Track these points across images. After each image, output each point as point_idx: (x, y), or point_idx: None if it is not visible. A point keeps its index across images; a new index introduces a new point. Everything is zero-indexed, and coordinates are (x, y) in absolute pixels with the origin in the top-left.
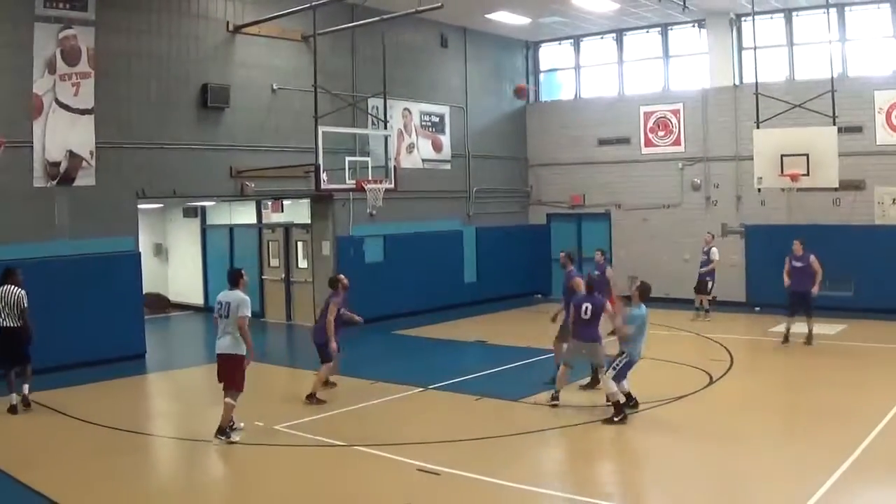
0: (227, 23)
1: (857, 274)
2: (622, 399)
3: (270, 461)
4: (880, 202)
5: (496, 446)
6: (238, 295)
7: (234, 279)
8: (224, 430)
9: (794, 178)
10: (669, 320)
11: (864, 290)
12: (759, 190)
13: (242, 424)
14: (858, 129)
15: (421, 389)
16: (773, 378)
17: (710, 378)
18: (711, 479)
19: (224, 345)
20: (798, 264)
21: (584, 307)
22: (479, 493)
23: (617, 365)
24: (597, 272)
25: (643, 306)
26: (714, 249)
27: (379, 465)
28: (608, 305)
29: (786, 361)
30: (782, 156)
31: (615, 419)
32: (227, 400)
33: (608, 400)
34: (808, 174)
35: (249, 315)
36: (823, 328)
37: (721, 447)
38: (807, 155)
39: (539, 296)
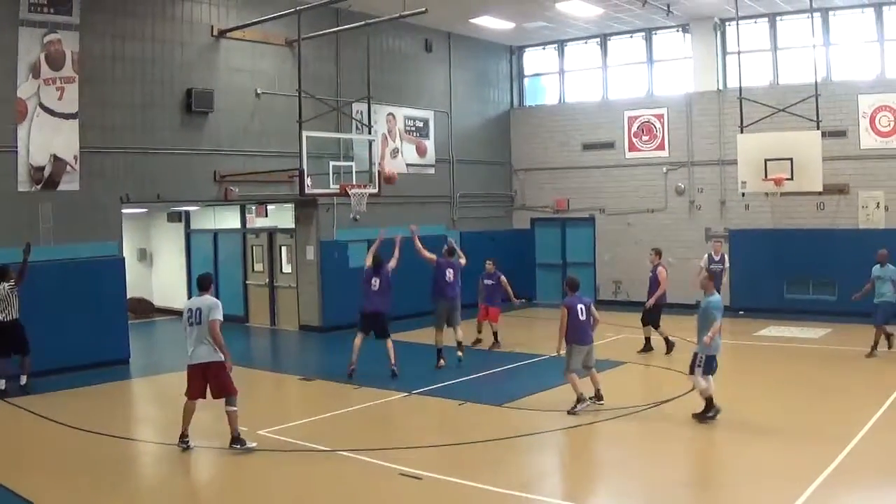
0: (212, 27)
1: (841, 278)
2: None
3: (253, 466)
4: (864, 206)
5: (479, 451)
6: (209, 299)
7: (206, 284)
8: (238, 439)
9: (777, 182)
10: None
11: (847, 293)
12: (743, 194)
13: (255, 444)
14: (842, 134)
15: (404, 394)
16: (756, 382)
17: None
18: (696, 483)
19: (202, 353)
20: (650, 274)
21: (579, 308)
22: (461, 497)
23: (700, 363)
24: (489, 281)
25: (716, 294)
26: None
27: (361, 469)
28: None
29: (770, 365)
30: (766, 160)
31: (708, 415)
32: (230, 409)
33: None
34: (792, 178)
35: (221, 319)
36: (807, 332)
37: (706, 451)
38: (791, 159)
39: (524, 300)
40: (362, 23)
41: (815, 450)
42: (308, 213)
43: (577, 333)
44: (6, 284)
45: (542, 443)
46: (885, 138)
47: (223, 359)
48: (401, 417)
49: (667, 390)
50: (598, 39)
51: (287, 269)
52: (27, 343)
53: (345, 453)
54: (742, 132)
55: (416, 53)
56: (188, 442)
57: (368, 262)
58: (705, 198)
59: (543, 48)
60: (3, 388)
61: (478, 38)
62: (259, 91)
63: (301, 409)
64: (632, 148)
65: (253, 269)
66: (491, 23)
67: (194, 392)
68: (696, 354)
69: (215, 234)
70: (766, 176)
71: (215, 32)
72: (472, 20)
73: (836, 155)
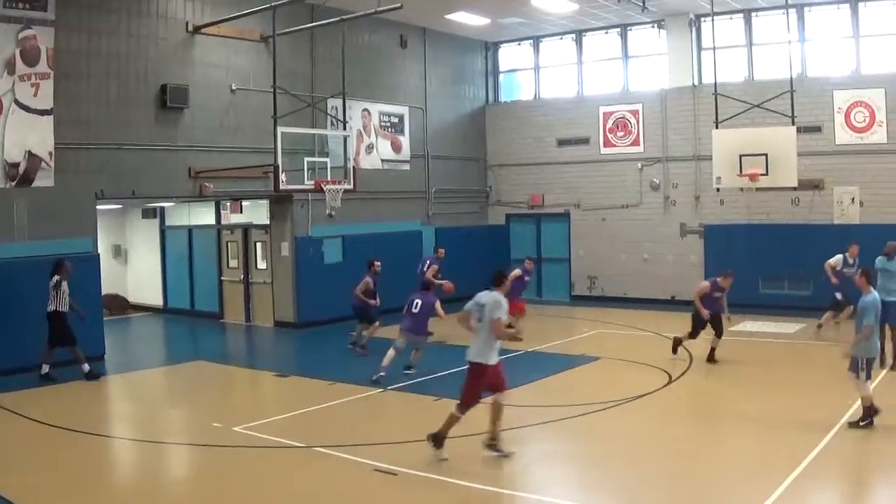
0: (187, 23)
1: (816, 273)
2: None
3: (229, 463)
4: (839, 201)
5: (455, 447)
6: (495, 296)
7: (498, 280)
8: (494, 445)
9: (752, 177)
10: (629, 320)
11: (822, 289)
12: (718, 190)
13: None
14: (818, 129)
15: (380, 390)
16: (731, 377)
17: (670, 377)
18: (668, 479)
19: (472, 351)
20: (717, 294)
21: (415, 303)
22: (437, 493)
23: (863, 366)
24: (528, 278)
25: (873, 293)
26: None
27: (336, 465)
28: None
29: (744, 360)
30: (741, 156)
31: (861, 423)
32: (498, 400)
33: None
34: (766, 174)
35: (503, 317)
36: (783, 327)
37: (679, 447)
38: (766, 155)
39: None
40: (337, 18)
41: (786, 447)
42: (283, 209)
43: (403, 321)
44: (58, 278)
45: (519, 438)
46: (860, 134)
47: (488, 364)
48: (376, 413)
49: (643, 385)
50: (574, 35)
51: (262, 265)
52: (62, 335)
53: (320, 449)
54: (717, 128)
55: (391, 49)
56: (495, 445)
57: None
58: (680, 193)
59: (519, 44)
60: (45, 372)
61: (453, 34)
62: (234, 87)
63: (276, 405)
64: (607, 143)
65: (228, 266)
66: (466, 18)
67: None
68: (855, 358)
69: (190, 230)
70: (740, 171)
71: (190, 28)
72: (448, 16)
73: (811, 150)
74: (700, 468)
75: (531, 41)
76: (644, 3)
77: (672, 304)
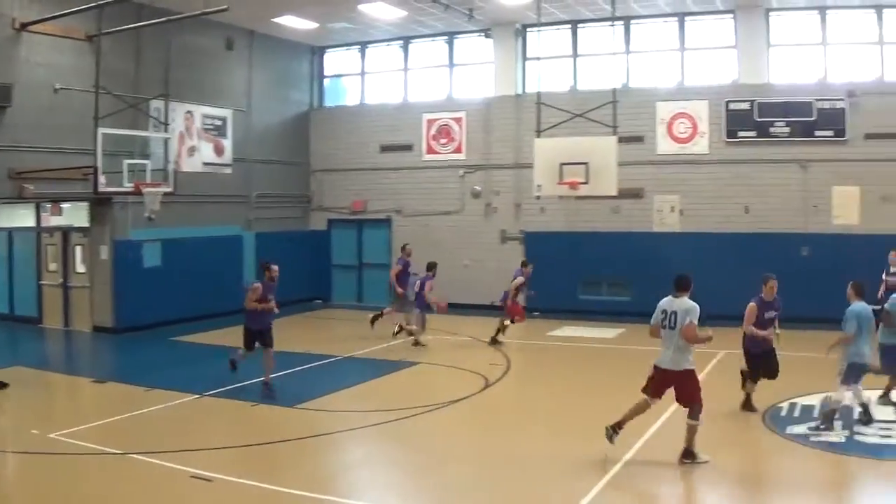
0: (14, 19)
1: (636, 279)
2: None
3: (43, 470)
4: (659, 210)
5: (270, 452)
6: (686, 302)
7: (685, 284)
8: (690, 452)
9: (572, 186)
10: (449, 325)
11: (642, 295)
12: (539, 197)
13: (707, 458)
14: (639, 139)
15: (197, 396)
16: (547, 381)
17: (486, 382)
18: (487, 479)
19: (668, 359)
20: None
21: (416, 282)
22: (251, 498)
23: (841, 371)
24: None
25: (863, 303)
26: None
27: (152, 472)
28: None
29: (562, 365)
30: (562, 164)
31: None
32: (690, 422)
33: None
34: (587, 182)
35: (695, 321)
36: (603, 332)
37: (497, 448)
38: (586, 164)
39: (319, 301)
40: (164, 19)
41: (600, 452)
42: (102, 212)
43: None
44: None
45: (333, 443)
46: (682, 144)
47: (691, 368)
48: (193, 419)
49: (460, 390)
50: (401, 42)
51: (81, 268)
52: None
53: (137, 456)
54: (539, 136)
55: (217, 51)
56: (618, 434)
57: None
58: (501, 200)
59: (346, 49)
60: None
61: (280, 38)
62: (57, 86)
63: (93, 411)
64: (429, 150)
65: (47, 269)
66: (293, 22)
67: (652, 391)
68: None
69: (10, 232)
70: (561, 179)
71: (17, 25)
72: (275, 19)
73: (633, 160)
74: (514, 471)
75: (358, 47)
76: (471, 11)
77: (492, 309)
